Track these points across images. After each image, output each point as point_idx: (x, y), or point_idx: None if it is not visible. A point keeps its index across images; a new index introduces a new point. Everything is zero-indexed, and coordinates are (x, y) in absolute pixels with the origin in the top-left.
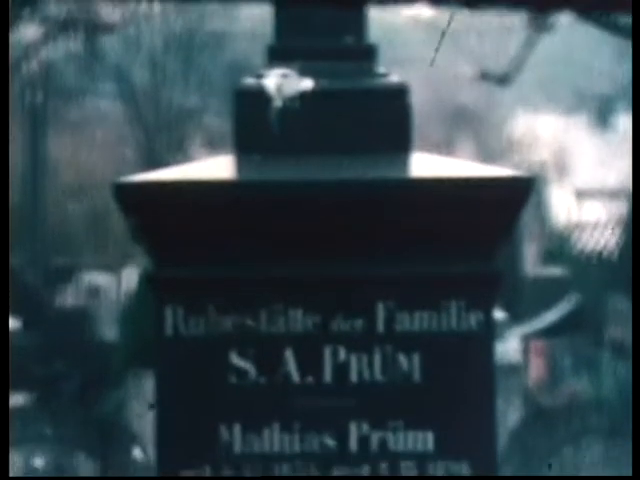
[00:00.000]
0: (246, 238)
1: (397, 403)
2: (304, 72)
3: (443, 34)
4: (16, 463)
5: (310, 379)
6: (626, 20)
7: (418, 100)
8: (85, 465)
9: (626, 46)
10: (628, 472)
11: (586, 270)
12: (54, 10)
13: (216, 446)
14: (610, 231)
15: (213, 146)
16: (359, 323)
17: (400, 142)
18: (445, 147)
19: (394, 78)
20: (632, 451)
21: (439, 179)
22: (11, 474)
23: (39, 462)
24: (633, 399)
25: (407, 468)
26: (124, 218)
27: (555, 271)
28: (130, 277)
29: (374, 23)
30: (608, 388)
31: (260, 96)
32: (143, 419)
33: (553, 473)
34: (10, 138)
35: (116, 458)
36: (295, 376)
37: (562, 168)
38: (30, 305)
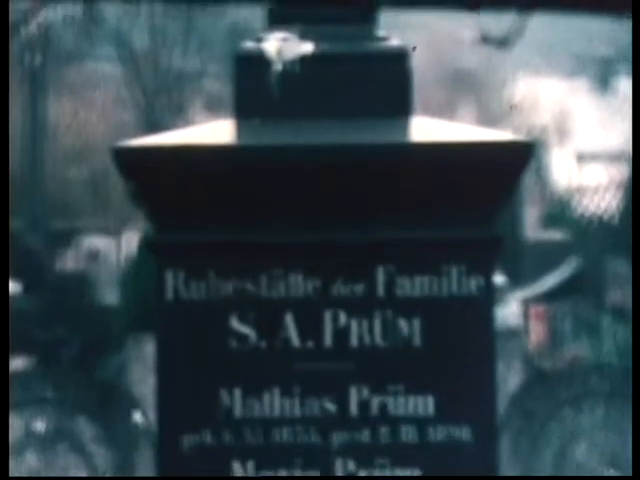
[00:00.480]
0: (246, 202)
1: (397, 367)
2: (304, 36)
3: None
4: (16, 427)
5: (310, 343)
6: None
7: (418, 64)
8: (86, 428)
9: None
10: (628, 434)
11: (587, 234)
12: None
13: (216, 410)
14: (611, 194)
15: (213, 110)
16: (359, 287)
17: (400, 106)
18: (446, 111)
19: (394, 42)
20: (632, 451)
21: (439, 143)
22: (11, 439)
23: (40, 426)
24: (633, 398)
25: (407, 432)
26: (124, 182)
27: (556, 235)
28: (130, 241)
29: None
30: (608, 351)
31: (260, 60)
32: (144, 383)
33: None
34: (9, 101)
35: (117, 422)
36: (295, 340)
37: (563, 131)
38: (30, 269)
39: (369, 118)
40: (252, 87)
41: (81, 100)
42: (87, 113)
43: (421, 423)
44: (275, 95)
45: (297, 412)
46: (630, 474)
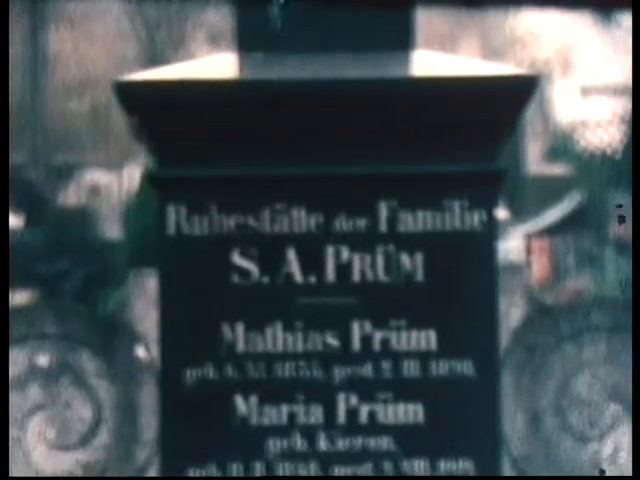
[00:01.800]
0: (248, 137)
1: (400, 303)
2: None
3: None
4: (20, 361)
5: (313, 279)
6: None
7: None
8: (89, 363)
9: None
10: (629, 368)
11: (590, 168)
12: None
13: (219, 345)
14: (614, 128)
15: (215, 43)
16: (361, 223)
17: (402, 39)
18: (448, 44)
19: None
20: (632, 451)
21: (441, 77)
22: (15, 373)
23: (43, 360)
24: (633, 393)
25: (409, 367)
26: (125, 116)
27: (558, 169)
28: (132, 175)
29: None
30: (611, 285)
31: None
32: (146, 318)
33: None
34: (9, 33)
35: (120, 356)
36: (298, 276)
37: (566, 65)
38: (32, 203)
39: (371, 52)
40: (254, 20)
41: (81, 32)
42: (88, 45)
43: (423, 357)
44: (277, 28)
45: (299, 347)
46: (631, 408)
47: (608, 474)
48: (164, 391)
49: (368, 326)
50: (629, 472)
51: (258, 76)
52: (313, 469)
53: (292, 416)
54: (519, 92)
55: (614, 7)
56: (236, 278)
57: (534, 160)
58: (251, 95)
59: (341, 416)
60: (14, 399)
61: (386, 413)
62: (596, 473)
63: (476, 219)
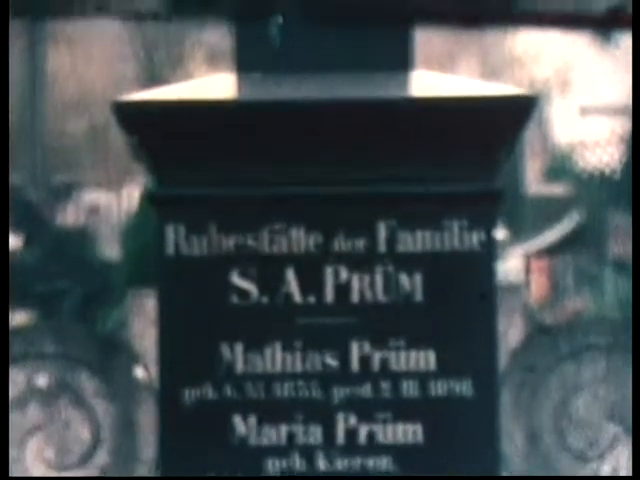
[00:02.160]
0: (247, 157)
1: (399, 323)
2: None
3: None
4: (18, 381)
5: (312, 299)
6: None
7: None
8: (87, 383)
9: None
10: (629, 387)
11: (589, 187)
12: None
13: (218, 365)
14: (613, 148)
15: (213, 63)
16: (360, 243)
17: (401, 59)
18: (447, 64)
19: None
20: (632, 451)
21: (440, 98)
22: (14, 393)
23: (42, 381)
24: (633, 394)
25: (409, 387)
26: (124, 136)
27: (557, 189)
28: (131, 195)
29: None
30: (610, 304)
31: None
32: (145, 338)
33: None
34: (9, 52)
35: (119, 376)
36: (297, 296)
37: (565, 84)
38: (31, 223)
39: (370, 72)
40: (253, 40)
41: (80, 52)
42: (86, 65)
43: (422, 378)
44: (276, 47)
45: (298, 367)
46: (630, 427)
47: None
48: (163, 411)
49: (367, 346)
50: None
51: (256, 96)
52: None
53: (291, 436)
54: (518, 112)
55: (614, 27)
56: (235, 298)
57: (533, 180)
58: (249, 115)
59: (340, 436)
60: (13, 419)
61: (385, 433)
62: None
63: (475, 239)
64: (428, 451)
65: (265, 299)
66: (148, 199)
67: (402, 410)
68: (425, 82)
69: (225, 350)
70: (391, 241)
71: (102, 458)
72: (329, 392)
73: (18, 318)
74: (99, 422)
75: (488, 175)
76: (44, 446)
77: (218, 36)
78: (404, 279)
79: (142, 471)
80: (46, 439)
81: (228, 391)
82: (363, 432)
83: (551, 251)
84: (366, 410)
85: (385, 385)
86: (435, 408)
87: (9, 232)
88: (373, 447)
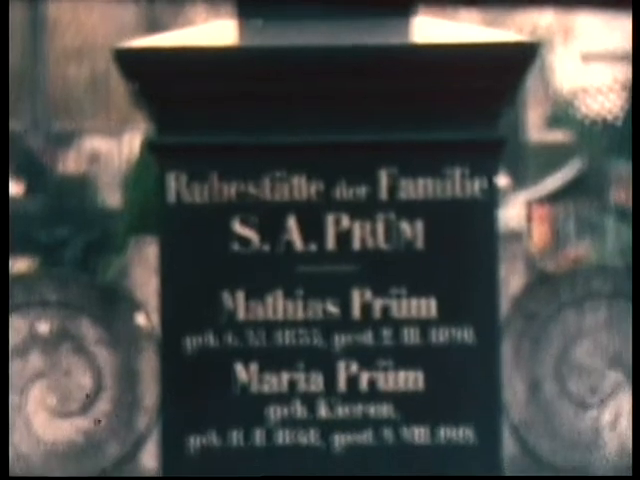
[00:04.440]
0: (248, 104)
1: (400, 270)
2: None
3: None
4: (20, 329)
5: (313, 246)
6: None
7: None
8: (89, 330)
9: None
10: (628, 335)
11: (591, 134)
12: None
13: (219, 313)
14: (615, 95)
15: (214, 9)
16: (362, 190)
17: (402, 5)
18: (448, 10)
19: None
20: (632, 452)
21: (441, 44)
22: (16, 340)
23: (43, 328)
24: (633, 395)
25: (410, 334)
26: (125, 83)
27: (559, 136)
28: (132, 142)
29: None
30: (611, 252)
31: None
32: (146, 285)
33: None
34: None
35: (120, 324)
36: (298, 243)
37: (567, 31)
38: (32, 170)
39: (371, 19)
40: None
41: None
42: (87, 12)
43: (423, 325)
44: None
45: (300, 315)
46: (630, 374)
47: (608, 442)
48: (164, 359)
49: (368, 294)
50: (629, 439)
51: (257, 43)
52: (313, 436)
53: (292, 384)
54: (520, 59)
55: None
56: (236, 246)
57: (535, 127)
58: (250, 62)
59: (341, 383)
60: (15, 367)
61: (386, 380)
62: (596, 440)
63: (477, 186)
64: (429, 398)
65: (266, 247)
66: (149, 147)
67: (403, 357)
68: (426, 29)
69: (226, 298)
70: (392, 189)
71: (103, 406)
72: (330, 340)
73: (19, 266)
74: (100, 370)
75: (490, 122)
76: (46, 393)
77: None
78: (405, 227)
79: (143, 419)
80: (48, 386)
81: (229, 339)
82: (364, 379)
83: (553, 198)
84: (367, 357)
85: (386, 332)
86: (436, 355)
87: (9, 179)
88: (374, 394)
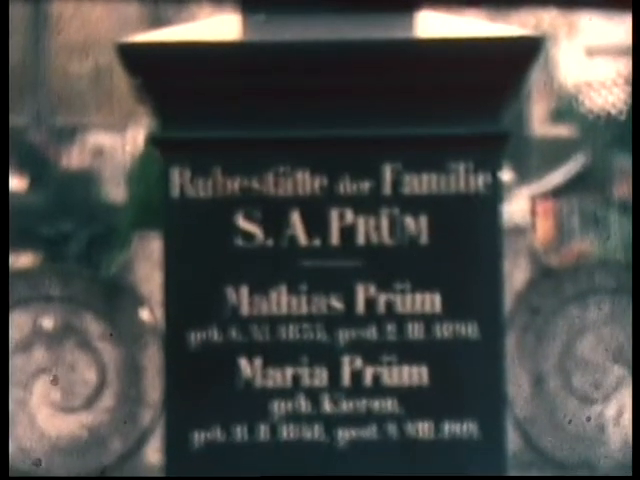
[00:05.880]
0: (251, 99)
1: (404, 265)
2: None
3: None
4: (24, 324)
5: (317, 241)
6: None
7: None
8: (93, 325)
9: None
10: (630, 329)
11: (594, 129)
12: None
13: (223, 308)
14: (619, 89)
15: (218, 4)
16: (366, 185)
17: (407, 1)
18: (453, 5)
19: None
20: (632, 452)
21: (445, 38)
22: (19, 335)
23: (47, 323)
24: (633, 393)
25: (414, 329)
26: (128, 78)
27: (563, 130)
28: (135, 137)
29: None
30: (615, 247)
31: None
32: (150, 280)
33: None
34: None
35: (124, 318)
36: (302, 238)
37: (571, 25)
38: (35, 165)
39: (374, 13)
40: None
41: None
42: (90, 6)
43: (428, 320)
44: None
45: (304, 310)
46: (633, 369)
47: (612, 436)
48: (168, 353)
49: (372, 289)
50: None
51: (261, 38)
52: (317, 431)
53: (296, 378)
54: (524, 53)
55: (614, 7)
56: (240, 241)
57: (539, 121)
58: (254, 57)
59: (345, 378)
60: (19, 362)
61: (390, 375)
62: (600, 434)
63: (481, 181)
64: (433, 393)
65: (270, 242)
66: (152, 142)
67: (407, 352)
68: (430, 23)
69: (230, 293)
70: (396, 183)
71: (107, 401)
72: (334, 335)
73: (23, 260)
74: (104, 365)
75: (494, 117)
76: (50, 388)
77: None
78: (409, 221)
79: (147, 414)
80: (52, 381)
81: (233, 334)
82: (368, 374)
83: (557, 193)
84: (371, 352)
85: (390, 327)
86: (440, 350)
87: (11, 174)
88: (378, 389)
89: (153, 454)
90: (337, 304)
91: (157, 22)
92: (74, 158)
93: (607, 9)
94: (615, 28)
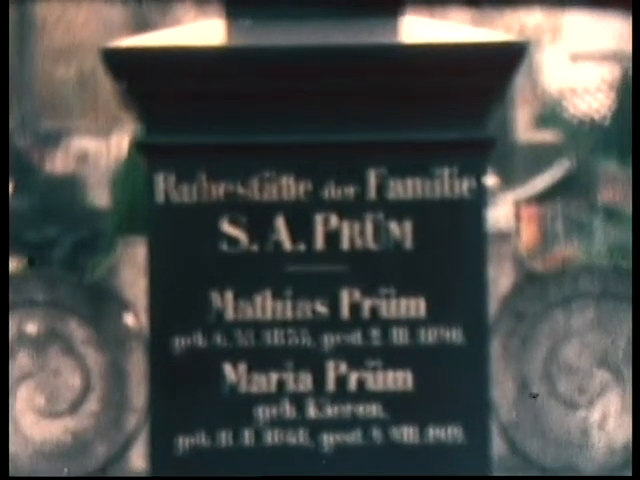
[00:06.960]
0: (236, 104)
1: (389, 270)
2: None
3: None
4: (9, 330)
5: (302, 246)
6: None
7: None
8: (77, 330)
9: None
10: (618, 334)
11: (579, 134)
12: None
13: (208, 313)
14: (603, 95)
15: (202, 9)
16: (350, 190)
17: (391, 5)
18: (437, 10)
19: None
20: (632, 452)
21: (430, 44)
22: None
23: (32, 328)
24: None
25: (399, 334)
26: (113, 83)
27: (547, 136)
28: (120, 142)
29: None
30: (599, 252)
31: None
32: (135, 285)
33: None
34: None
35: (108, 323)
36: (287, 243)
37: (556, 31)
38: (20, 170)
39: (359, 19)
40: None
41: None
42: (75, 11)
43: (412, 325)
44: None
45: (289, 315)
46: (619, 374)
47: (597, 441)
48: (153, 359)
49: (357, 294)
50: (617, 438)
51: (245, 43)
52: (302, 436)
53: (281, 384)
54: (508, 59)
55: (614, 7)
56: (225, 246)
57: (523, 127)
58: (238, 62)
59: (330, 383)
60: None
61: (375, 380)
62: (585, 440)
63: (465, 186)
64: (418, 398)
65: (255, 247)
66: (137, 147)
67: (392, 357)
68: (415, 28)
69: (215, 298)
70: (381, 188)
71: (92, 406)
72: (319, 339)
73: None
74: (89, 370)
75: (478, 122)
76: (34, 393)
77: None
78: (394, 226)
79: (132, 419)
80: (36, 386)
81: (218, 339)
82: (353, 379)
83: (541, 198)
84: (356, 357)
85: (375, 332)
86: (425, 355)
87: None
88: (363, 394)
89: (138, 459)
90: (322, 309)
91: (142, 27)
92: (59, 163)
93: (607, 9)
94: (599, 33)
